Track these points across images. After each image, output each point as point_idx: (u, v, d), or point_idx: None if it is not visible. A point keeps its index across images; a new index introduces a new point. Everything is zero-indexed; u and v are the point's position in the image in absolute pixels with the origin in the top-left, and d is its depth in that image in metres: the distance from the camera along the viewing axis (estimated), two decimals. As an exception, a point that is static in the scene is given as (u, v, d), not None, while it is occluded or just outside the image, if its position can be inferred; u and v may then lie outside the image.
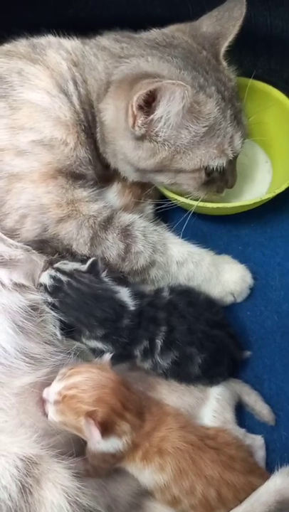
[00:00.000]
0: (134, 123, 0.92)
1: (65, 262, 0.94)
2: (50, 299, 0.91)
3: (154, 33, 1.04)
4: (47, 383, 0.84)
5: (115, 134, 0.98)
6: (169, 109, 0.90)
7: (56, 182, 0.95)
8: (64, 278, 0.91)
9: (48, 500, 0.72)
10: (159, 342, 0.91)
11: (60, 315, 0.90)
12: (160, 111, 0.90)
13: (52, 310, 0.90)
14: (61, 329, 0.90)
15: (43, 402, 0.83)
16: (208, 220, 1.19)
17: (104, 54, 1.00)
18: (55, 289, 0.91)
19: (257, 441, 0.95)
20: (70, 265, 0.94)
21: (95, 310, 0.90)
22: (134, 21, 1.06)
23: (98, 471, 0.83)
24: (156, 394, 0.93)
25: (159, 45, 1.00)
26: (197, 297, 0.99)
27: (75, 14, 1.31)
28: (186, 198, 1.06)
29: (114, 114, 0.97)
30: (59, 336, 0.90)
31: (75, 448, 0.83)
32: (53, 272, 0.92)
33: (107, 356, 0.86)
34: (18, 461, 0.74)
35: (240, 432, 0.93)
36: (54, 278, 0.91)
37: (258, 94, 1.19)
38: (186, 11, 1.22)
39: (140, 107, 0.90)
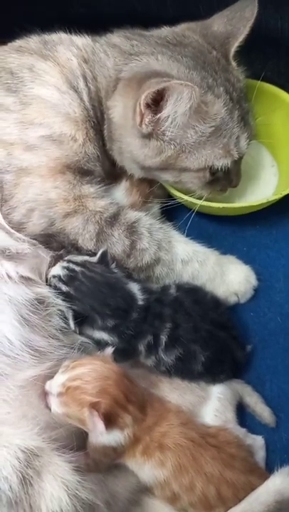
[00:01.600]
0: (141, 121, 0.93)
1: (73, 255, 0.95)
2: (64, 289, 0.91)
3: (165, 31, 1.05)
4: (50, 376, 0.84)
5: (122, 132, 0.99)
6: (176, 109, 0.90)
7: (64, 177, 0.95)
8: (77, 268, 0.92)
9: (48, 493, 0.73)
10: (163, 338, 0.92)
11: (75, 304, 0.91)
12: (167, 110, 0.91)
13: (65, 300, 0.91)
14: (74, 318, 0.90)
15: (45, 394, 0.83)
16: (214, 220, 1.19)
17: (114, 51, 1.01)
18: (69, 278, 0.92)
19: (257, 442, 0.95)
20: (80, 257, 0.95)
21: (109, 298, 0.91)
22: (145, 20, 1.07)
23: (99, 466, 0.83)
24: (158, 391, 0.94)
25: (169, 43, 1.01)
26: (204, 296, 0.99)
27: (87, 12, 1.32)
28: (191, 196, 1.07)
29: (122, 112, 0.98)
30: (72, 327, 0.91)
31: (76, 442, 0.83)
32: (65, 263, 0.93)
33: (109, 349, 0.86)
34: (20, 452, 0.74)
35: (241, 431, 0.93)
36: (67, 268, 0.92)
37: (267, 96, 1.19)
38: (198, 11, 1.23)
39: (148, 106, 0.91)
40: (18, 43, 1.04)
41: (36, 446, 0.76)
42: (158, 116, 0.92)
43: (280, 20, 1.27)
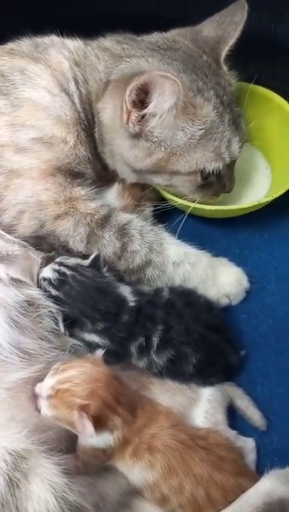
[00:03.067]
0: (128, 119, 0.93)
1: (66, 257, 0.95)
2: (54, 293, 0.91)
3: (156, 37, 1.06)
4: (40, 379, 0.84)
5: (113, 134, 1.00)
6: (161, 104, 0.90)
7: (55, 179, 0.96)
8: (68, 271, 0.92)
9: (35, 495, 0.72)
10: (155, 340, 0.92)
11: (64, 308, 0.91)
12: (152, 105, 0.91)
13: (55, 303, 0.91)
14: (64, 321, 0.90)
15: (35, 397, 0.83)
16: (207, 222, 1.19)
17: (105, 55, 1.01)
18: (60, 282, 0.92)
19: (248, 444, 0.94)
20: (72, 260, 0.95)
21: (99, 303, 0.91)
22: (140, 23, 1.07)
23: (88, 468, 0.83)
24: (149, 393, 0.94)
25: (160, 48, 1.02)
26: (197, 299, 0.99)
27: (82, 15, 1.32)
28: (183, 199, 1.07)
29: (112, 113, 0.98)
30: (62, 329, 0.91)
31: (65, 445, 0.83)
32: (56, 266, 0.93)
33: (100, 352, 0.86)
34: (7, 455, 0.74)
35: (231, 434, 0.93)
36: (58, 272, 0.92)
37: (260, 99, 1.20)
38: (192, 12, 1.23)
39: (134, 104, 0.91)
40: (9, 45, 1.04)
41: (24, 449, 0.76)
42: (144, 111, 0.92)
43: (274, 23, 1.28)
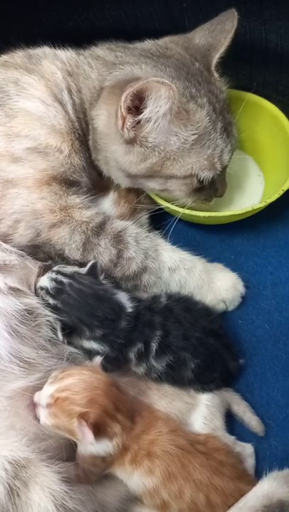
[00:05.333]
0: (123, 125, 0.94)
1: (63, 265, 0.96)
2: (52, 302, 0.92)
3: (148, 44, 1.07)
4: (39, 387, 0.84)
5: (107, 140, 1.00)
6: (156, 109, 0.91)
7: (50, 188, 0.96)
8: (65, 280, 0.93)
9: (35, 503, 0.73)
10: (154, 345, 0.92)
11: (62, 316, 0.91)
12: (148, 111, 0.92)
13: (53, 312, 0.91)
14: (63, 330, 0.91)
15: (34, 406, 0.83)
16: (202, 228, 1.20)
17: (98, 63, 1.03)
18: (57, 291, 0.92)
19: (247, 450, 0.95)
20: (70, 268, 0.95)
21: (97, 310, 0.91)
22: (133, 34, 1.09)
23: (89, 476, 0.83)
24: (147, 399, 0.94)
25: (152, 55, 1.03)
26: (195, 304, 1.00)
27: (76, 27, 1.33)
28: (174, 204, 1.08)
29: (106, 120, 0.99)
30: (60, 338, 0.91)
31: (65, 453, 0.83)
32: (53, 275, 0.93)
33: (98, 359, 0.87)
34: (7, 463, 0.75)
35: (229, 439, 0.93)
36: (56, 280, 0.93)
37: (251, 106, 1.20)
38: (184, 24, 1.24)
39: (129, 109, 0.92)
40: (3, 57, 1.05)
41: (24, 458, 0.76)
42: (139, 117, 0.93)
43: (264, 31, 1.29)
